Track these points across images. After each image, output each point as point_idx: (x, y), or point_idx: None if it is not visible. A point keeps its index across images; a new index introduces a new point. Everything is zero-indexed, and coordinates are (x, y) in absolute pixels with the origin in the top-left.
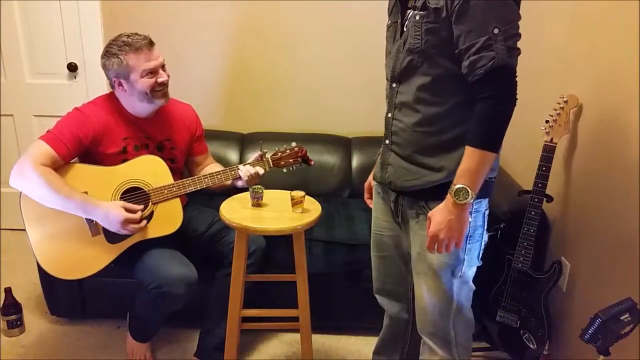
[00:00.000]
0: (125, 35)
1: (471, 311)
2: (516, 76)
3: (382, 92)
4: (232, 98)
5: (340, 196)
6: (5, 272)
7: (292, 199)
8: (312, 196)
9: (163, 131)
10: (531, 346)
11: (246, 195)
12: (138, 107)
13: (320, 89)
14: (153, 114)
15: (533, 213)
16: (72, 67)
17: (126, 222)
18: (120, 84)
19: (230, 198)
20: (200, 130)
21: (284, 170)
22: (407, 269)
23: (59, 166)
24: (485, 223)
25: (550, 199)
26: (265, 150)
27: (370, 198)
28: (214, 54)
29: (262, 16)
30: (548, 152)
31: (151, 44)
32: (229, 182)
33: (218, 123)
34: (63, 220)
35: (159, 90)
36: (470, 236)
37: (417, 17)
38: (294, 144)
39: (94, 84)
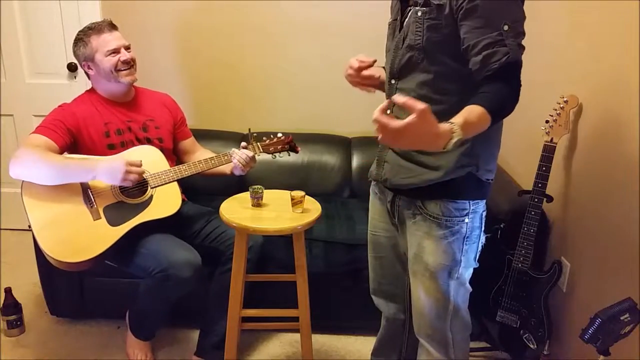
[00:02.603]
0: (90, 23)
1: (468, 313)
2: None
3: (382, 92)
4: (232, 98)
5: (340, 196)
6: (5, 272)
7: (292, 199)
8: (312, 196)
9: (144, 112)
10: (531, 346)
11: (246, 195)
12: (109, 88)
13: (320, 88)
14: (131, 97)
15: (533, 213)
16: (72, 67)
17: (129, 166)
18: (89, 67)
19: (231, 198)
20: (181, 114)
21: (272, 156)
22: (404, 270)
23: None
24: (483, 224)
25: (550, 199)
26: (254, 133)
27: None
28: (214, 53)
29: (261, 15)
30: (548, 152)
31: (112, 26)
32: (228, 170)
33: (218, 123)
34: (65, 207)
35: (124, 69)
36: (467, 237)
37: (419, 13)
38: (279, 134)
39: None
